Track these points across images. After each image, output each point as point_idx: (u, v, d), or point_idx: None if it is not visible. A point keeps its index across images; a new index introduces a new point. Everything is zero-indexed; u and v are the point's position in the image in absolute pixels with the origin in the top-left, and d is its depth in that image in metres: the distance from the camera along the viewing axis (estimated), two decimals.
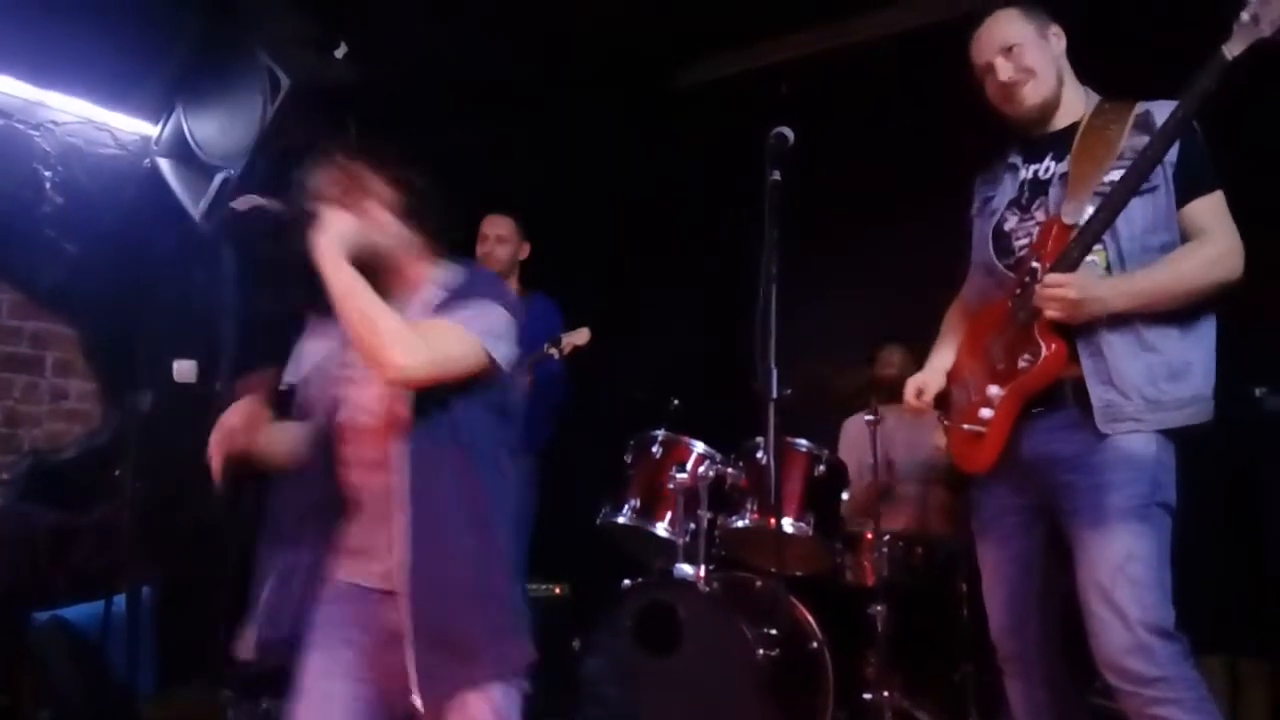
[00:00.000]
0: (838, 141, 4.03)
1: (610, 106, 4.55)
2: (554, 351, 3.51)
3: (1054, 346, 2.13)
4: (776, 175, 2.48)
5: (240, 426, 1.93)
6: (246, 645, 1.98)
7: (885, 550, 3.44)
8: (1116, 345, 2.10)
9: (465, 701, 1.81)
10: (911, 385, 2.48)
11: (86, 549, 3.43)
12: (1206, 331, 2.15)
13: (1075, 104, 2.29)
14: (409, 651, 1.76)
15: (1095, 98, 2.30)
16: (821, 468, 3.40)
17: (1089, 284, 2.07)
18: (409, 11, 3.73)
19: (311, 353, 2.04)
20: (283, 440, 2.01)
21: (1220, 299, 2.14)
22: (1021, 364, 2.18)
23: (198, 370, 4.03)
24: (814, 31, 4.52)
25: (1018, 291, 2.23)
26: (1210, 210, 2.13)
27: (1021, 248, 2.27)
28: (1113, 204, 2.06)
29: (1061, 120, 2.29)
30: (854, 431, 4.01)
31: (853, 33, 4.45)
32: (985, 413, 2.25)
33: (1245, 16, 1.91)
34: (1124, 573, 2.02)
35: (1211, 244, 2.10)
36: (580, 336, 3.60)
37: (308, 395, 2.02)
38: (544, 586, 4.13)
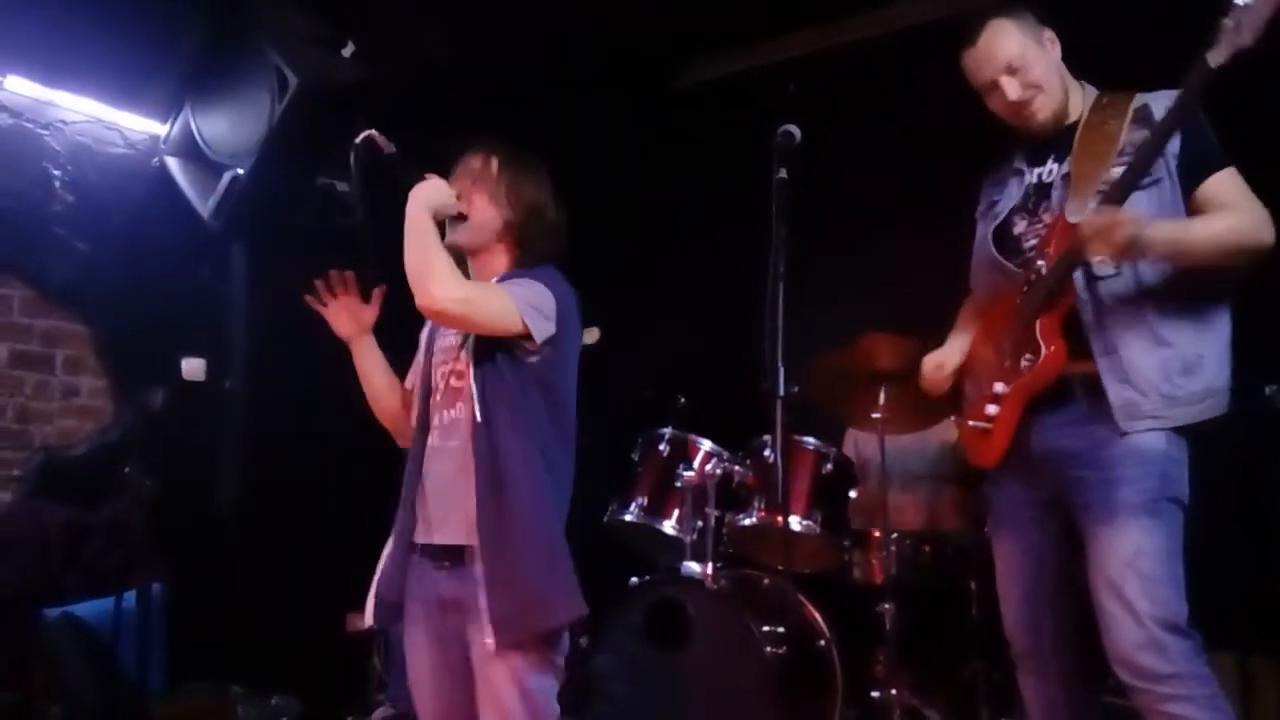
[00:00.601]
0: (844, 139, 4.02)
1: (614, 106, 4.54)
2: None
3: (1053, 347, 2.13)
4: (783, 173, 2.48)
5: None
6: (367, 612, 2.20)
7: (894, 548, 3.43)
8: (1131, 341, 2.08)
9: (502, 673, 1.99)
10: (931, 359, 2.47)
11: (97, 546, 3.45)
12: (1220, 323, 2.13)
13: (1074, 103, 2.28)
14: (481, 598, 1.97)
15: (1093, 92, 2.28)
16: (829, 465, 3.40)
17: (1141, 223, 1.99)
18: (413, 11, 3.73)
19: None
20: (381, 370, 2.29)
21: (1242, 279, 2.09)
22: (1024, 364, 2.18)
23: (206, 368, 4.05)
24: (817, 29, 4.50)
25: (1024, 290, 2.23)
26: (1226, 184, 2.09)
27: (1030, 248, 2.27)
28: (1112, 201, 2.05)
29: (1062, 121, 2.28)
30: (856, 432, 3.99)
31: (857, 30, 4.43)
32: (991, 409, 2.25)
33: (1229, 23, 1.88)
34: (1134, 568, 2.01)
35: (1236, 213, 2.06)
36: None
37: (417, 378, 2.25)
38: None
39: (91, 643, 3.27)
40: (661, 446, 3.49)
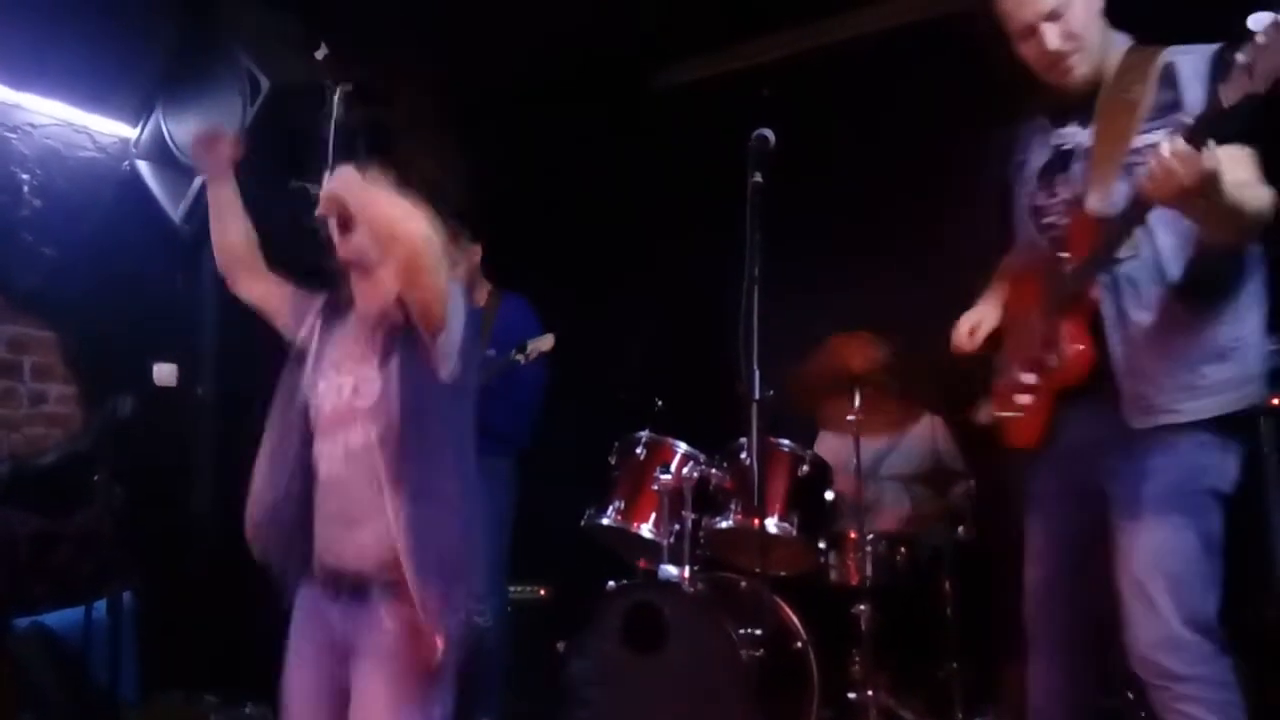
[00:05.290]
0: (819, 142, 4.04)
1: (590, 109, 4.54)
2: (520, 358, 3.49)
3: (1079, 348, 2.05)
4: (758, 177, 2.48)
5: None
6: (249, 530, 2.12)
7: (869, 549, 3.45)
8: (1146, 328, 2.00)
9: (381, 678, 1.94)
10: (965, 322, 2.39)
11: (67, 555, 3.40)
12: (1253, 305, 2.01)
13: (1107, 58, 2.13)
14: (412, 578, 1.89)
15: (1123, 43, 2.14)
16: (805, 468, 3.41)
17: (1214, 164, 1.78)
18: (388, 15, 3.72)
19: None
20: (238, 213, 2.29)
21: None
22: (1050, 361, 2.12)
23: (178, 374, 4.01)
24: (792, 32, 4.53)
25: (1050, 277, 2.14)
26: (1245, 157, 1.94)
27: (1048, 225, 2.18)
28: (1130, 222, 1.95)
29: (1095, 79, 2.13)
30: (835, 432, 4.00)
31: (829, 34, 4.46)
32: (1021, 398, 2.20)
33: (1242, 59, 1.71)
34: (1161, 568, 1.96)
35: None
36: (545, 343, 3.58)
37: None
38: (528, 588, 4.13)
39: (62, 652, 3.23)
40: (639, 450, 3.49)
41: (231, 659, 3.61)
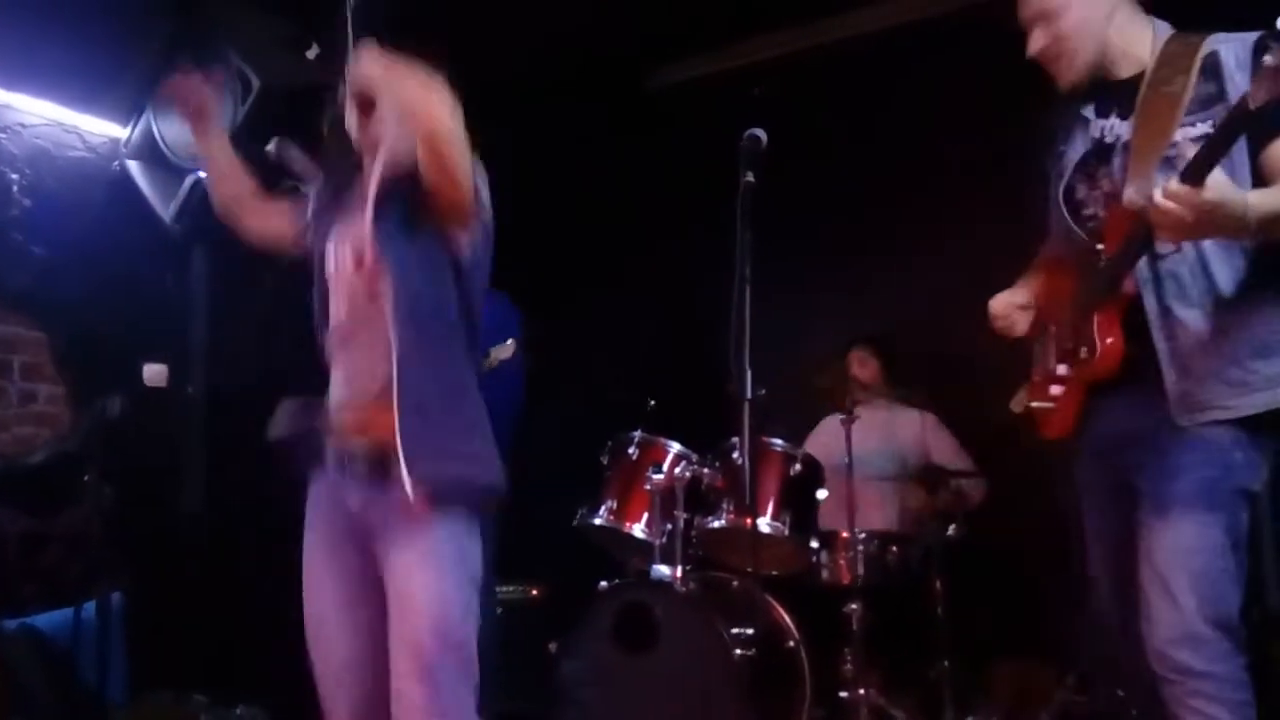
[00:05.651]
0: (811, 142, 4.05)
1: (583, 108, 4.54)
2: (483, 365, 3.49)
3: (1109, 341, 2.03)
4: (750, 177, 2.48)
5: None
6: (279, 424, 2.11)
7: (860, 549, 3.46)
8: (1192, 324, 1.97)
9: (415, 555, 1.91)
10: (1001, 302, 2.33)
11: (55, 555, 3.39)
12: None
13: (1140, 45, 2.08)
14: (401, 462, 1.85)
15: (1165, 32, 2.09)
16: (797, 467, 3.41)
17: (1229, 201, 1.79)
18: (379, 14, 3.71)
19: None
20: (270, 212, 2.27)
21: None
22: (1082, 354, 2.11)
23: (168, 374, 4.00)
24: (785, 32, 4.54)
25: (1085, 268, 2.13)
26: None
27: (1089, 218, 2.17)
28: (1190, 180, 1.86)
29: (1126, 68, 2.10)
30: (827, 431, 4.02)
31: (822, 34, 4.47)
32: (1054, 389, 2.20)
33: (1270, 61, 1.68)
34: (1185, 565, 1.94)
35: None
36: (505, 351, 3.58)
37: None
38: (520, 588, 4.12)
39: (50, 653, 3.22)
40: (631, 450, 3.49)
41: (221, 660, 3.61)
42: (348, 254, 2.04)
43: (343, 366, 2.04)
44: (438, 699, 1.89)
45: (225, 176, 2.30)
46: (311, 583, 2.04)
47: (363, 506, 1.97)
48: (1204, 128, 1.93)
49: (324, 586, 2.02)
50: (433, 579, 1.91)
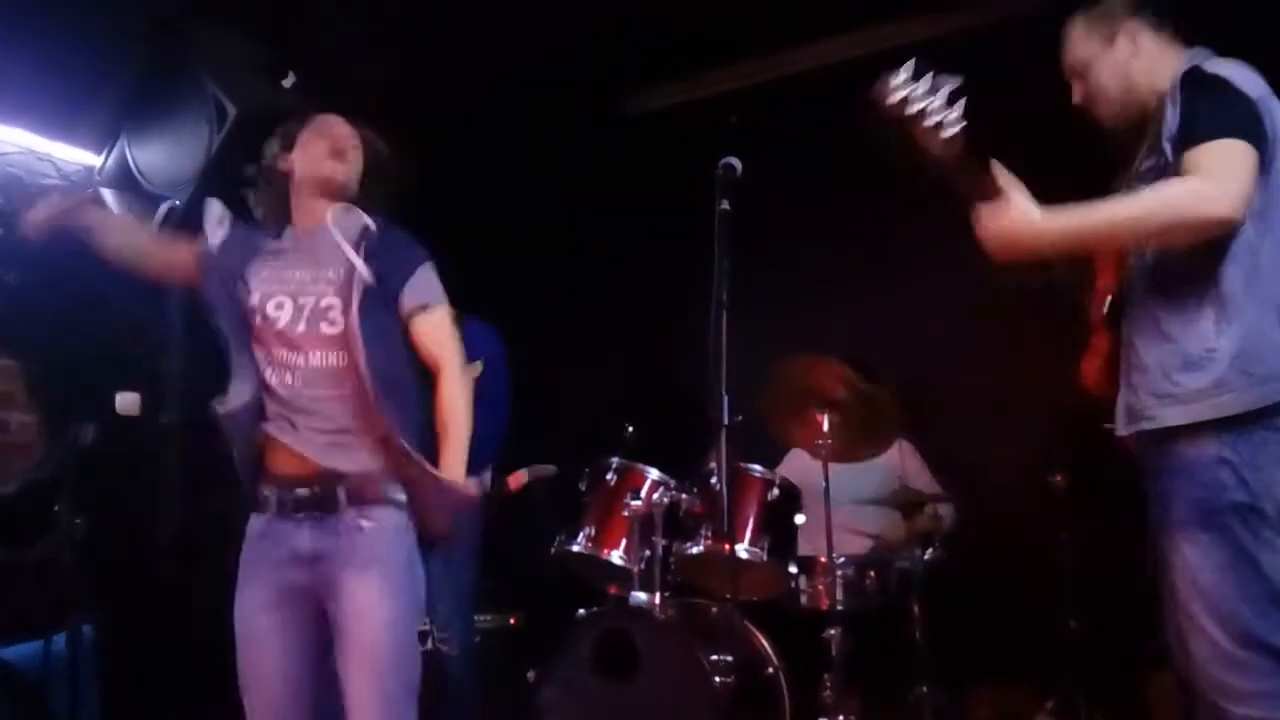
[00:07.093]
0: (786, 170, 4.08)
1: (560, 133, 4.57)
2: None
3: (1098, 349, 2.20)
4: (725, 205, 2.50)
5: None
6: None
7: (839, 574, 3.46)
8: (1137, 339, 2.05)
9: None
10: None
11: (26, 587, 3.34)
12: (1240, 311, 1.95)
13: (1165, 81, 2.10)
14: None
15: (1186, 64, 2.09)
16: (775, 492, 3.41)
17: (1028, 221, 1.99)
18: (357, 40, 3.72)
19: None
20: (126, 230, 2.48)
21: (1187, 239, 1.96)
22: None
23: (141, 402, 3.96)
24: (760, 60, 4.58)
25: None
26: (1201, 156, 1.92)
27: None
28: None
29: (1155, 103, 2.13)
30: (800, 456, 4.01)
31: (799, 62, 4.51)
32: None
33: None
34: (1196, 586, 1.94)
35: (1178, 184, 1.92)
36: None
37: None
38: (498, 616, 4.09)
39: (20, 686, 3.16)
40: (609, 476, 3.48)
41: (194, 693, 3.55)
42: (286, 307, 2.16)
43: (293, 405, 2.15)
44: (391, 712, 2.04)
45: (111, 245, 2.43)
46: (255, 640, 2.13)
47: (313, 542, 2.08)
48: (1150, 161, 2.05)
49: (271, 643, 2.12)
50: (388, 601, 2.06)
